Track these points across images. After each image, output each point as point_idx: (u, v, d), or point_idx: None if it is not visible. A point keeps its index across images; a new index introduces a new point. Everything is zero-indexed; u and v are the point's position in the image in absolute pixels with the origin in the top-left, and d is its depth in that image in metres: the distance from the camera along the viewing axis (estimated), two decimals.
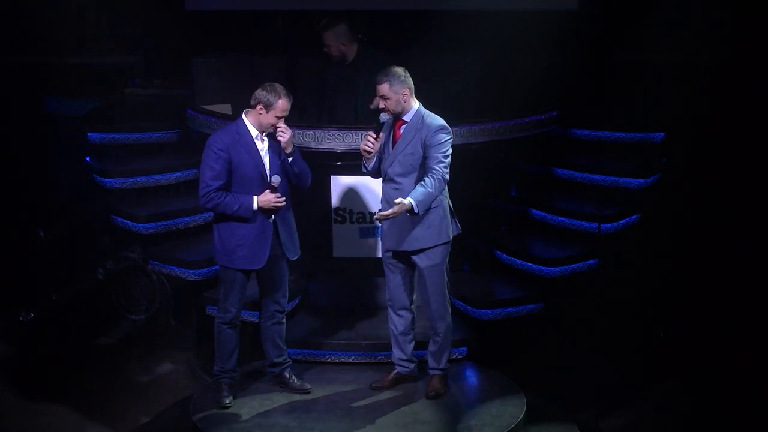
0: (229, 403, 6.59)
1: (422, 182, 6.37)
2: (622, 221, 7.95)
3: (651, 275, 7.85)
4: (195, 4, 9.17)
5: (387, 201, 6.52)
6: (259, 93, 6.41)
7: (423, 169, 6.44)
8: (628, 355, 7.63)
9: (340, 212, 7.60)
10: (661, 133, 8.40)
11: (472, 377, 7.07)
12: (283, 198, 6.44)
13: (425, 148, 6.41)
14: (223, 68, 8.79)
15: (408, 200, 6.28)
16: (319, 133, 7.47)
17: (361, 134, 7.36)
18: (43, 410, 7.36)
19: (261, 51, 8.98)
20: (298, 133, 7.37)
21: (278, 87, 6.41)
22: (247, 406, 6.60)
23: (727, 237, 8.03)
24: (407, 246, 6.52)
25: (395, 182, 6.51)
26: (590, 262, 7.69)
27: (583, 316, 7.22)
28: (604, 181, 8.16)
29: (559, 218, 7.98)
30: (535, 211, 8.14)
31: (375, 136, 6.46)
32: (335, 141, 7.46)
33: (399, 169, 6.50)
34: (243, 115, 6.49)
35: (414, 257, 6.56)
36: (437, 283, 6.58)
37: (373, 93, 6.69)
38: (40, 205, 9.12)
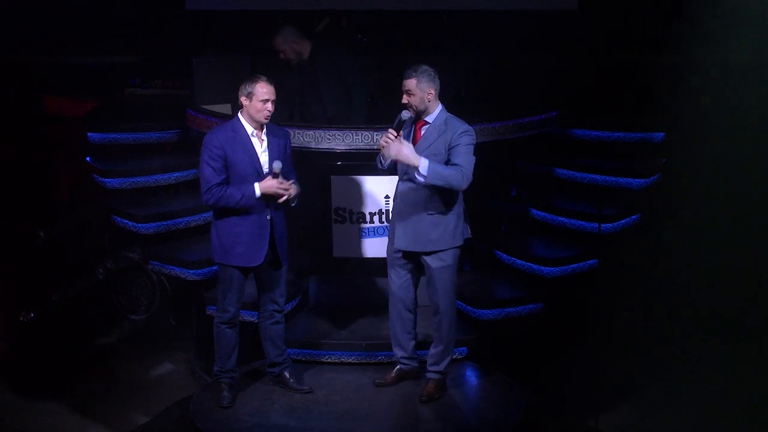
0: (229, 403, 6.59)
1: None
2: (622, 221, 7.95)
3: (650, 275, 7.86)
4: (195, 4, 9.17)
5: (404, 200, 6.47)
6: (240, 87, 6.43)
7: None
8: (627, 355, 7.63)
9: (340, 212, 7.60)
10: (661, 133, 8.41)
11: (472, 377, 7.06)
12: (288, 183, 6.42)
13: (450, 149, 6.35)
14: (223, 68, 8.77)
15: (423, 159, 6.22)
16: (319, 133, 7.47)
17: (361, 134, 7.41)
18: (43, 410, 7.37)
19: (261, 51, 8.98)
20: (298, 133, 7.38)
21: (257, 75, 6.43)
22: (247, 406, 6.59)
23: (726, 237, 8.04)
24: (422, 247, 6.46)
25: (414, 182, 6.38)
26: (590, 262, 7.69)
27: (583, 316, 7.22)
28: (604, 181, 8.16)
29: (559, 218, 7.98)
30: (535, 211, 8.14)
31: (396, 133, 6.33)
32: (335, 141, 7.45)
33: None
34: (238, 114, 6.50)
35: (426, 258, 6.50)
36: (447, 286, 6.54)
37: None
38: (40, 205, 9.12)
